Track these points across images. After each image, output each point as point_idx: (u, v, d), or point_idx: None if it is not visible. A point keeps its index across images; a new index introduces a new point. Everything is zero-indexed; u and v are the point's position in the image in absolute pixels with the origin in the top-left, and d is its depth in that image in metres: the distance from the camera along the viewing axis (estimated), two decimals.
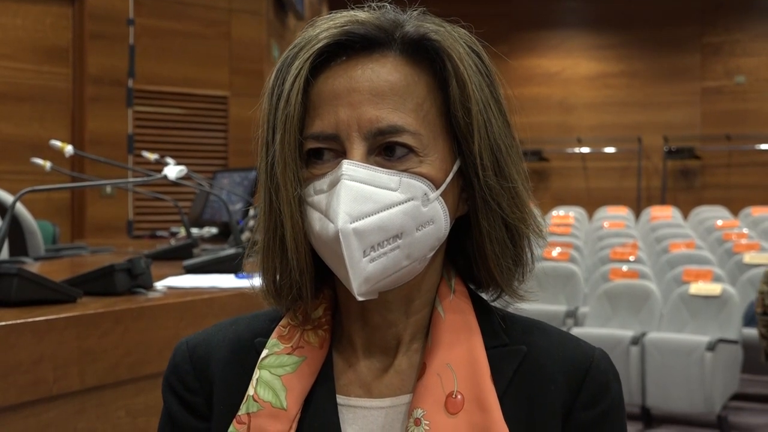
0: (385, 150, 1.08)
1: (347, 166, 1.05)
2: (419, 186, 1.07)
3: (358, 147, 1.07)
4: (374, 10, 1.14)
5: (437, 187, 1.09)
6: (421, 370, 1.12)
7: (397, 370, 1.16)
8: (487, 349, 1.13)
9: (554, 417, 1.13)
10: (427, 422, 1.08)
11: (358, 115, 1.07)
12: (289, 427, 1.10)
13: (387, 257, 1.06)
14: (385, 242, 1.06)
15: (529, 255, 1.17)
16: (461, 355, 1.12)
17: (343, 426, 1.12)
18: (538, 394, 1.13)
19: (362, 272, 1.05)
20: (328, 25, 1.11)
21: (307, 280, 1.12)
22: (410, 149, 1.08)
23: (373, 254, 1.05)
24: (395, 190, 1.06)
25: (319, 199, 1.08)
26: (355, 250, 1.04)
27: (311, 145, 1.09)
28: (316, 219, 1.08)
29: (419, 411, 1.09)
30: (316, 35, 1.11)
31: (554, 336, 1.20)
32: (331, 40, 1.10)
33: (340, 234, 1.03)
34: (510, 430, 1.08)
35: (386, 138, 1.07)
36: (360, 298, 1.06)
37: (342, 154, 1.08)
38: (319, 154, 1.09)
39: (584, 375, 1.15)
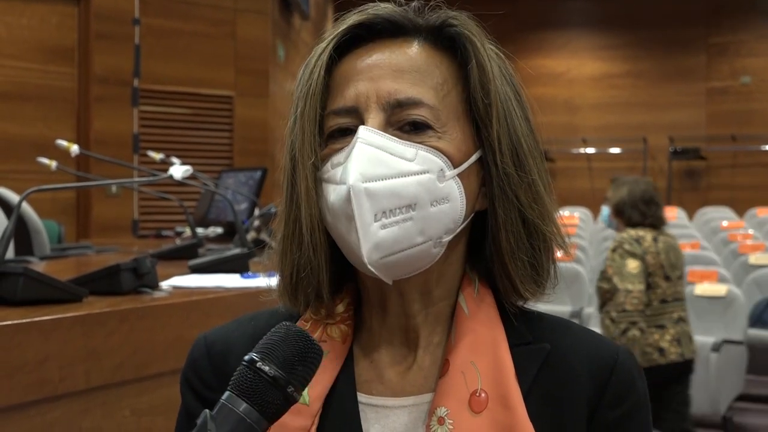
0: (403, 124, 1.09)
1: (363, 131, 1.06)
2: (435, 161, 1.07)
3: (375, 116, 1.08)
4: (399, 5, 1.17)
5: (455, 167, 1.09)
6: (444, 367, 1.11)
7: (419, 368, 1.15)
8: (511, 347, 1.12)
9: (579, 416, 1.12)
10: (451, 421, 1.07)
11: (377, 87, 1.09)
12: (311, 423, 1.09)
13: (399, 227, 1.05)
14: (398, 210, 1.05)
15: (549, 264, 1.17)
16: (485, 353, 1.11)
17: (364, 425, 1.11)
18: (563, 392, 1.12)
19: (373, 237, 1.04)
20: (354, 14, 1.15)
21: (323, 260, 1.11)
22: (428, 123, 1.08)
23: (384, 221, 1.04)
24: (411, 161, 1.06)
25: (336, 171, 1.08)
26: (366, 210, 1.03)
27: (332, 121, 1.10)
28: (330, 191, 1.08)
29: (443, 410, 1.08)
30: (342, 23, 1.15)
31: (578, 334, 1.19)
32: (356, 22, 1.13)
33: (351, 191, 1.03)
34: (535, 428, 1.07)
35: (404, 110, 1.08)
36: (371, 268, 1.05)
37: None
38: (341, 132, 1.10)
39: (609, 373, 1.14)
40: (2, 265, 2.08)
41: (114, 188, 7.65)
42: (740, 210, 12.87)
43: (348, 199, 1.03)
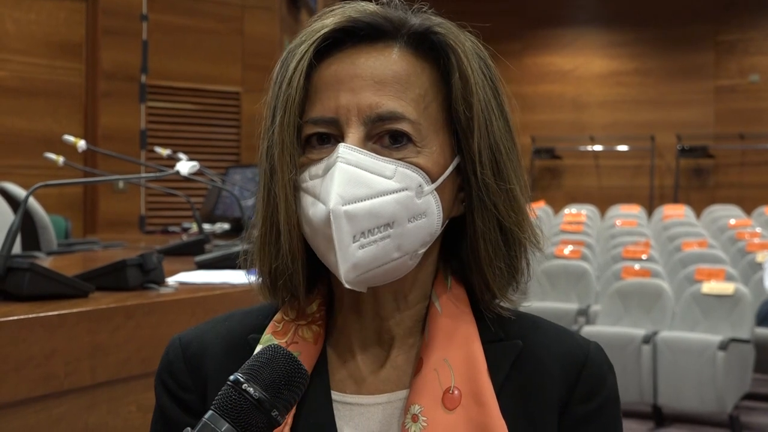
0: (383, 138, 1.08)
1: (343, 150, 1.05)
2: (414, 177, 1.07)
3: (355, 131, 1.07)
4: (382, 5, 1.15)
5: (433, 181, 1.09)
6: (418, 365, 1.12)
7: (393, 366, 1.15)
8: (484, 344, 1.13)
9: (551, 411, 1.12)
10: (425, 418, 1.08)
11: (358, 100, 1.07)
12: (285, 424, 1.09)
13: (377, 246, 1.05)
14: (376, 230, 1.05)
15: (524, 264, 1.16)
16: (458, 351, 1.11)
17: (338, 423, 1.12)
18: (535, 388, 1.13)
19: (351, 258, 1.04)
20: (334, 14, 1.12)
21: (300, 267, 1.11)
22: (408, 138, 1.08)
23: (363, 240, 1.04)
24: (390, 178, 1.06)
25: (314, 184, 1.07)
26: (345, 233, 1.03)
27: (310, 130, 1.09)
28: (309, 203, 1.07)
29: (416, 407, 1.08)
30: (321, 23, 1.11)
31: (549, 330, 1.19)
32: (337, 26, 1.10)
33: (331, 215, 1.03)
34: (507, 424, 1.08)
35: (385, 124, 1.07)
36: (347, 286, 1.06)
37: (340, 139, 1.08)
38: (319, 140, 1.09)
39: (580, 369, 1.15)
40: (9, 260, 2.08)
41: (121, 184, 7.66)
42: (748, 208, 12.83)
43: (327, 221, 1.03)
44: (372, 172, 1.05)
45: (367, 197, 1.05)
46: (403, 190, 1.06)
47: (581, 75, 16.08)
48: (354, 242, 1.04)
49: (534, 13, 15.78)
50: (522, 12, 15.58)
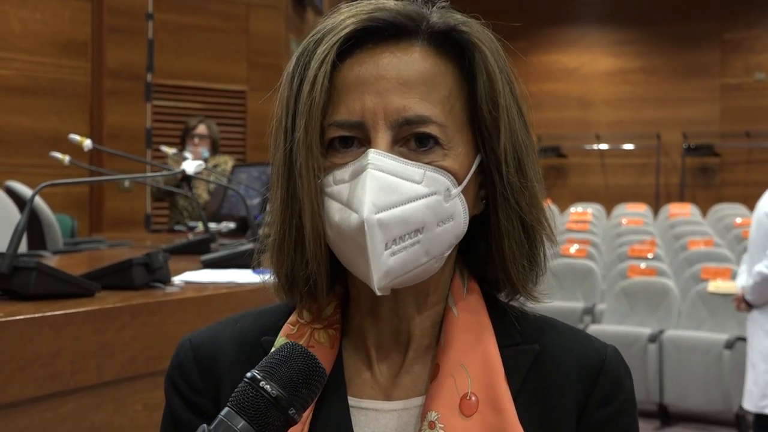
0: (410, 141, 1.06)
1: (373, 156, 1.04)
2: (443, 180, 1.06)
3: (383, 136, 1.05)
4: (401, 0, 1.13)
5: (459, 182, 1.07)
6: (434, 370, 1.11)
7: (409, 371, 1.14)
8: (500, 347, 1.12)
9: (568, 416, 1.12)
10: (442, 425, 1.06)
11: (385, 104, 1.05)
12: (301, 429, 1.08)
13: (407, 252, 1.04)
14: (407, 236, 1.04)
15: (542, 257, 1.15)
16: (475, 356, 1.10)
17: (355, 429, 1.10)
18: (552, 393, 1.12)
19: (383, 266, 1.03)
20: (353, 12, 1.10)
21: (323, 271, 1.10)
22: (436, 141, 1.06)
23: (394, 248, 1.03)
24: (419, 183, 1.05)
25: (340, 189, 1.06)
26: (378, 242, 1.02)
27: (334, 133, 1.07)
28: (335, 210, 1.06)
29: (433, 414, 1.07)
30: (341, 21, 1.09)
31: (566, 333, 1.18)
32: (359, 26, 1.08)
33: (365, 224, 1.01)
34: (525, 430, 1.07)
35: (413, 128, 1.05)
36: (379, 293, 1.04)
37: (365, 143, 1.06)
38: (342, 143, 1.07)
39: (598, 373, 1.14)
40: (15, 259, 2.08)
41: (127, 183, 7.67)
42: (754, 207, 12.78)
43: (360, 230, 1.02)
44: (402, 178, 1.04)
45: (399, 204, 1.03)
46: (432, 195, 1.05)
47: (587, 73, 16.07)
48: (386, 250, 1.03)
49: (539, 11, 15.75)
50: (527, 10, 15.54)
